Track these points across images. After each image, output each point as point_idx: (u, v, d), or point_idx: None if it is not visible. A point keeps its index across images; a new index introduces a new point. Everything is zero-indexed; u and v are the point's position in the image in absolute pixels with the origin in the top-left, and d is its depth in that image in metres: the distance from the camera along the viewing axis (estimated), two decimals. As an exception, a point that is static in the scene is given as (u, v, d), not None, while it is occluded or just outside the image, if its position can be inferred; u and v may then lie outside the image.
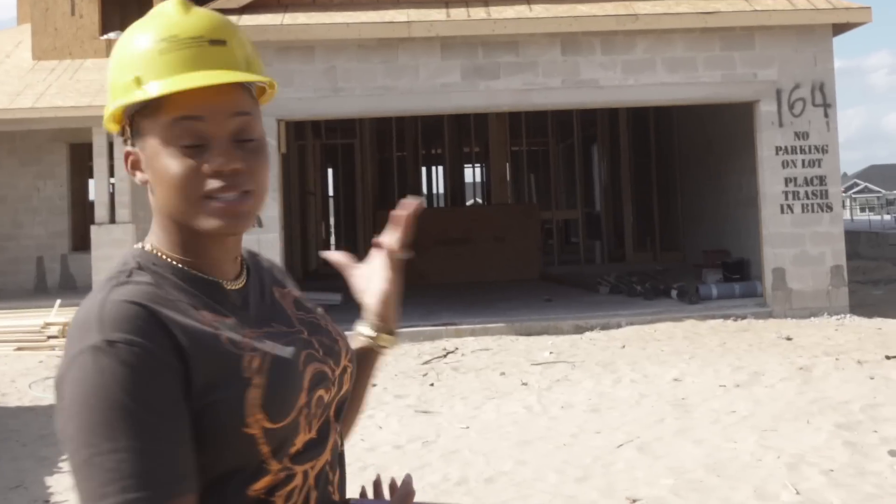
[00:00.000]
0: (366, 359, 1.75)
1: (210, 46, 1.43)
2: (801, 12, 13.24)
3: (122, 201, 16.66)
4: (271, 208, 12.69)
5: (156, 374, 1.30)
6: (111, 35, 19.40)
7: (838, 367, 9.14)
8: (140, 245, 1.52)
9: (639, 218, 21.92)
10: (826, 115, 13.35)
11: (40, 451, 7.32)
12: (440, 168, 27.94)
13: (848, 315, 12.84)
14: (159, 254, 1.48)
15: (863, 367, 9.13)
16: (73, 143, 18.94)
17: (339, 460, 1.58)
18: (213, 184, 1.41)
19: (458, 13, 13.15)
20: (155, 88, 1.40)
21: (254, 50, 1.51)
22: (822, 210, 13.25)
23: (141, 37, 1.44)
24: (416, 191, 25.54)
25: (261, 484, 1.40)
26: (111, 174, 16.93)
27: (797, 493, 5.40)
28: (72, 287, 18.51)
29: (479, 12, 13.12)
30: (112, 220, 16.66)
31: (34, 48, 19.26)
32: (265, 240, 12.50)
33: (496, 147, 21.59)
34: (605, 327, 12.37)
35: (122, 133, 1.48)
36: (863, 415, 7.18)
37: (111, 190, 17.00)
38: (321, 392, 1.49)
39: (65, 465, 6.83)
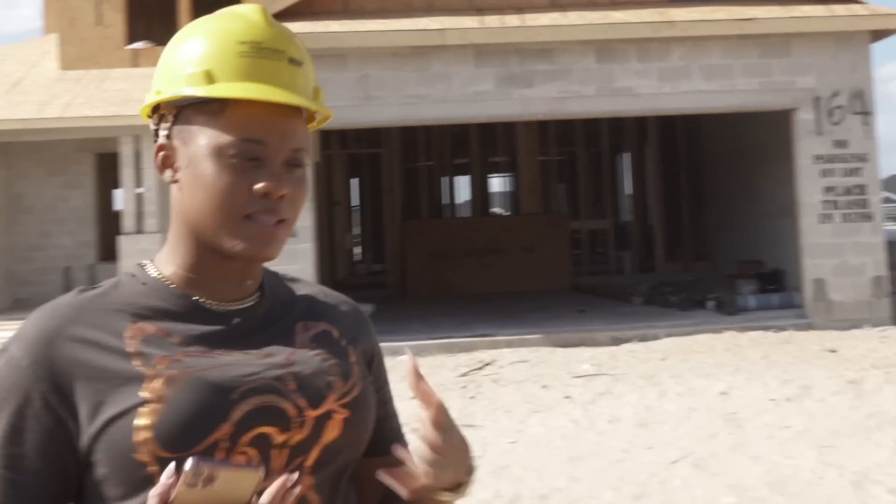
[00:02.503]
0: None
1: (289, 64, 1.37)
2: (840, 19, 13.04)
3: (150, 211, 16.60)
4: (306, 218, 12.55)
5: (16, 393, 1.29)
6: (137, 44, 19.37)
7: (889, 381, 8.91)
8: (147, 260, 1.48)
9: (668, 227, 21.69)
10: (865, 123, 13.13)
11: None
12: (465, 178, 27.80)
13: (890, 326, 12.59)
14: (149, 265, 1.43)
15: (914, 380, 8.90)
16: (100, 153, 18.89)
17: None
18: (256, 205, 1.34)
19: (492, 20, 12.99)
20: (228, 89, 1.32)
21: (315, 77, 1.45)
22: (863, 219, 13.01)
23: (219, 32, 1.36)
24: (442, 200, 25.41)
25: None
26: (138, 184, 16.86)
27: (871, 513, 5.19)
28: (98, 297, 18.44)
29: (512, 20, 12.97)
30: (139, 231, 16.59)
31: (61, 58, 19.24)
32: (299, 250, 12.37)
33: (525, 156, 21.40)
34: (642, 339, 12.16)
35: (159, 122, 1.39)
36: (923, 430, 6.97)
37: (138, 200, 16.93)
38: (266, 430, 1.31)
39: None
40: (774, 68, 13.12)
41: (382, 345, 1.49)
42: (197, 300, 1.39)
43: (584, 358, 10.95)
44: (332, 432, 1.37)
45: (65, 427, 1.28)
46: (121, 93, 17.60)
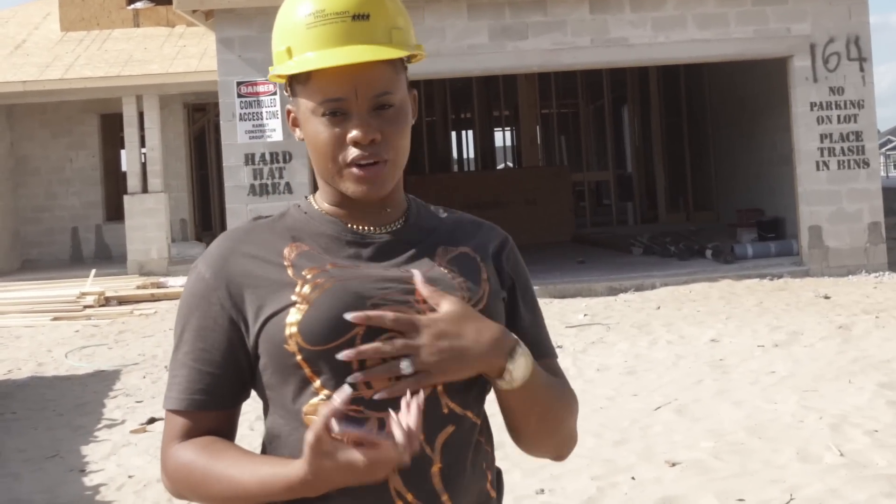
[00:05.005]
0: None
1: (353, 22, 1.53)
2: (836, -36, 12.95)
3: (154, 171, 16.71)
4: (301, 174, 12.65)
5: (202, 300, 1.59)
6: (138, 4, 19.35)
7: (878, 326, 9.01)
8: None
9: (671, 178, 21.70)
10: (862, 70, 13.09)
11: (76, 420, 7.36)
12: (470, 132, 27.76)
13: (886, 273, 12.66)
14: (312, 199, 1.68)
15: (903, 324, 8.99)
16: (104, 114, 18.98)
17: (437, 420, 1.52)
18: (353, 153, 1.54)
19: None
20: (299, 64, 1.54)
21: (405, 20, 1.60)
22: (859, 166, 13.03)
23: (296, 8, 1.57)
24: (447, 155, 25.43)
25: (311, 408, 1.50)
26: (142, 144, 16.96)
27: (841, 454, 5.31)
28: (107, 257, 18.64)
29: (506, -28, 12.93)
30: (144, 190, 16.72)
31: (62, 19, 19.27)
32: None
33: (526, 109, 21.40)
34: (639, 289, 12.27)
35: (287, 88, 1.64)
36: (905, 373, 7.07)
37: (143, 160, 17.04)
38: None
39: (100, 434, 6.87)
40: (770, 15, 13.07)
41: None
42: (348, 225, 1.62)
43: (579, 308, 11.08)
44: None
45: (238, 327, 1.57)
46: (122, 53, 17.64)
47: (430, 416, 1.49)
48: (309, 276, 1.54)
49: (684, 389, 7.09)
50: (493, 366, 1.52)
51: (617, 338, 9.24)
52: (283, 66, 1.57)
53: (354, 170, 1.55)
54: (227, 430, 1.60)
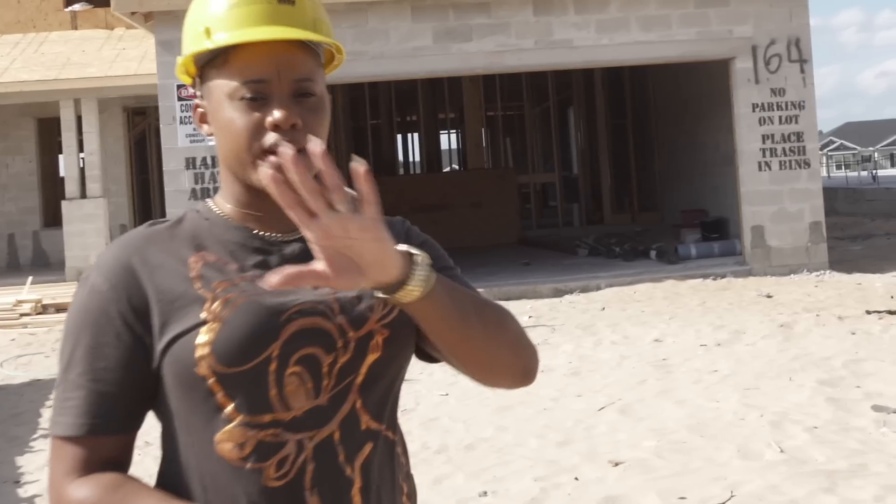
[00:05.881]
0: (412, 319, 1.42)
1: (278, 4, 1.46)
2: (776, -34, 13.09)
3: (93, 175, 16.42)
4: (243, 178, 12.49)
5: (99, 315, 1.43)
6: (76, 7, 19.05)
7: (819, 324, 9.09)
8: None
9: (616, 179, 21.83)
10: (802, 71, 13.24)
11: (11, 430, 7.17)
12: (415, 135, 27.72)
13: (827, 271, 12.81)
14: (211, 203, 1.56)
15: (844, 322, 9.08)
16: (41, 118, 18.66)
17: (358, 436, 1.45)
18: (271, 138, 1.43)
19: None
20: (221, 39, 1.44)
21: (324, 13, 1.53)
22: (800, 167, 13.17)
23: None
24: (392, 158, 25.34)
25: (224, 435, 1.40)
26: (81, 149, 16.67)
27: (781, 451, 5.32)
28: (44, 263, 18.29)
29: (449, -27, 12.90)
30: (83, 195, 16.43)
31: (-3, 22, 18.90)
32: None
33: (471, 112, 21.40)
34: (584, 290, 12.28)
35: (193, 85, 1.54)
36: (845, 370, 7.13)
37: (81, 164, 16.75)
38: (313, 350, 1.43)
39: (35, 445, 6.69)
40: (712, 17, 13.17)
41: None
42: (253, 232, 1.50)
43: (524, 310, 11.05)
44: (374, 352, 1.47)
45: (141, 342, 1.43)
46: (60, 56, 17.33)
47: (350, 436, 1.44)
48: (219, 291, 1.43)
49: (628, 389, 7.08)
50: (389, 269, 1.28)
51: (562, 339, 9.23)
52: (206, 43, 1.46)
53: (272, 157, 1.41)
54: (125, 458, 1.46)
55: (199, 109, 1.53)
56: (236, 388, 1.40)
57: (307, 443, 1.41)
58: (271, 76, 1.44)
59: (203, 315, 1.41)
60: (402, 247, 1.32)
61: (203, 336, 1.40)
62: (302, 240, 1.45)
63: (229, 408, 1.40)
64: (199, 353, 1.39)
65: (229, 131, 1.46)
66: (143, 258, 1.46)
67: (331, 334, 1.44)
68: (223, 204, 1.53)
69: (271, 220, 1.50)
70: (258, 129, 1.43)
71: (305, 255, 1.39)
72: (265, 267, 1.45)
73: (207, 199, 1.57)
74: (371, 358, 1.46)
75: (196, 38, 1.48)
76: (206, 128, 1.53)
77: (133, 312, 1.43)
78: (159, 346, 1.42)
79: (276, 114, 1.42)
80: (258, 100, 1.44)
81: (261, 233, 1.50)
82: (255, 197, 1.48)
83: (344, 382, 1.44)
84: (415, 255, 1.33)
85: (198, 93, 1.54)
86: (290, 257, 1.48)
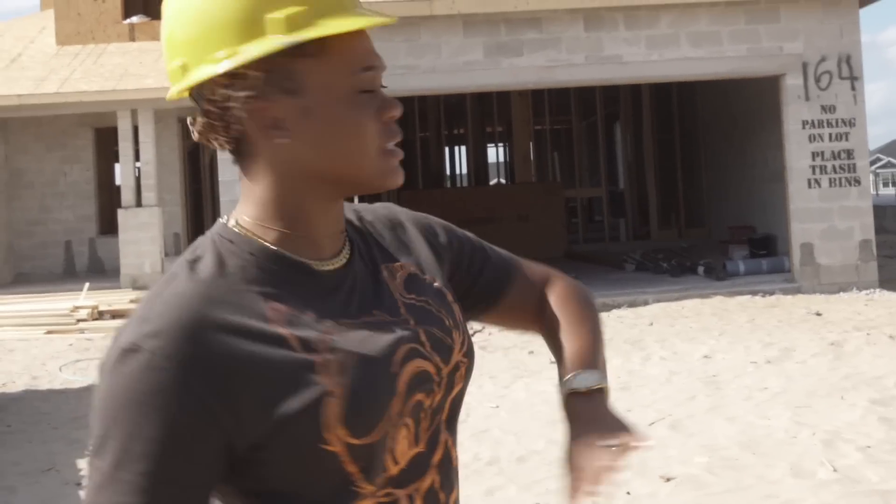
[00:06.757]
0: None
1: None
2: (828, -16, 13.08)
3: (148, 184, 16.73)
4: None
5: (168, 398, 1.12)
6: (134, 19, 19.43)
7: (870, 343, 9.07)
8: (224, 219, 1.30)
9: (663, 195, 21.80)
10: (853, 88, 13.20)
11: (71, 433, 7.36)
12: (463, 148, 27.85)
13: (877, 290, 12.74)
14: (243, 230, 1.27)
15: (895, 341, 9.05)
16: (99, 128, 19.02)
17: (453, 476, 1.36)
18: (391, 134, 1.28)
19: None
20: (336, 25, 1.20)
21: None
22: (850, 184, 13.12)
23: None
24: (440, 171, 25.50)
25: None
26: (136, 158, 16.99)
27: (834, 470, 5.35)
28: (100, 270, 18.63)
29: (501, -11, 13.03)
30: (138, 204, 16.74)
31: (58, 33, 19.32)
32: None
33: (519, 125, 21.50)
34: (632, 304, 12.33)
35: (228, 86, 1.21)
36: (897, 390, 7.13)
37: (137, 174, 17.07)
38: (420, 396, 1.27)
39: (99, 448, 6.87)
40: (762, 34, 13.18)
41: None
42: (309, 265, 1.27)
43: (573, 324, 11.10)
44: (459, 385, 1.35)
45: (224, 428, 1.15)
46: (118, 67, 17.69)
47: (446, 479, 1.33)
48: (324, 352, 1.20)
49: (678, 405, 7.13)
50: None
51: (610, 353, 9.24)
52: (313, 30, 1.19)
53: (391, 154, 1.28)
54: None
55: (269, 111, 1.22)
56: (365, 456, 1.22)
57: (416, 497, 1.28)
58: (378, 64, 1.27)
59: (323, 384, 1.18)
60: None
61: (330, 408, 1.18)
62: (347, 268, 1.31)
63: (359, 478, 1.23)
64: (329, 427, 1.18)
65: (343, 130, 1.24)
66: (212, 318, 1.17)
67: (431, 375, 1.30)
68: (260, 230, 1.27)
69: (321, 244, 1.30)
70: (377, 124, 1.25)
71: (355, 284, 1.31)
72: (337, 310, 1.26)
73: (228, 223, 1.29)
74: (455, 391, 1.35)
75: (283, 23, 1.19)
76: (277, 134, 1.23)
77: (218, 395, 1.14)
78: (262, 427, 1.16)
79: (397, 108, 1.28)
80: (368, 91, 1.25)
81: (315, 263, 1.28)
82: (314, 215, 1.28)
83: (436, 421, 1.32)
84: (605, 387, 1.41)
85: (245, 93, 1.21)
86: (348, 290, 1.30)
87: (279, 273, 1.24)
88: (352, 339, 1.23)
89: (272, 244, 1.25)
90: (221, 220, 1.30)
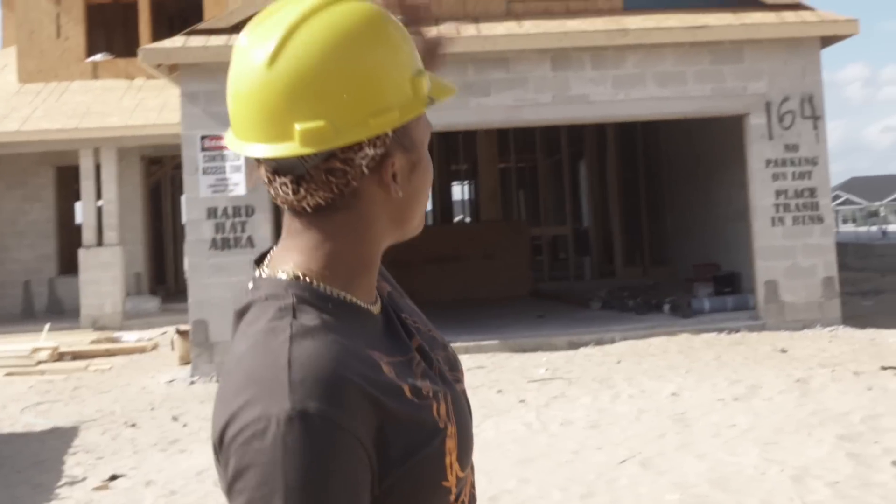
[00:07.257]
0: None
1: None
2: (790, 25, 13.29)
3: (110, 224, 16.59)
4: (263, 228, 12.61)
5: (352, 460, 1.15)
6: (97, 57, 19.35)
7: (835, 379, 9.12)
8: (275, 272, 1.28)
9: (628, 233, 21.94)
10: (815, 128, 13.37)
11: (35, 477, 7.22)
12: (428, 186, 27.87)
13: (841, 326, 12.84)
14: (314, 282, 1.26)
15: (859, 378, 9.11)
16: (60, 166, 18.88)
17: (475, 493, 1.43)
18: None
19: (448, 30, 13.09)
20: (448, 88, 1.33)
21: None
22: (813, 222, 13.26)
23: (397, 27, 1.29)
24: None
25: None
26: (98, 196, 16.85)
27: (805, 506, 5.35)
28: (59, 311, 18.39)
29: (469, 29, 13.11)
30: (99, 243, 16.57)
31: (20, 71, 19.20)
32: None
33: (485, 164, 21.59)
34: (599, 342, 12.33)
35: (379, 142, 1.24)
36: (863, 426, 7.16)
37: (98, 213, 16.91)
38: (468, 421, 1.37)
39: (61, 492, 6.74)
40: (727, 74, 13.35)
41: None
42: (370, 310, 1.31)
43: (540, 363, 11.10)
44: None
45: (373, 476, 1.19)
46: (80, 105, 17.58)
47: (474, 489, 1.39)
48: (431, 395, 1.27)
49: (648, 443, 7.11)
50: None
51: (579, 392, 9.27)
52: (441, 89, 1.31)
53: None
54: None
55: (396, 165, 1.27)
56: (461, 485, 1.30)
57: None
58: None
59: (443, 427, 1.26)
60: None
61: (450, 448, 1.26)
62: (384, 310, 1.35)
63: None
64: (448, 465, 1.26)
65: (427, 183, 1.33)
66: (352, 373, 1.18)
67: (465, 393, 1.40)
68: (323, 276, 1.27)
69: (369, 289, 1.33)
70: None
71: (395, 324, 1.35)
72: (399, 349, 1.31)
73: (304, 278, 1.27)
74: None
75: (422, 83, 1.26)
76: (394, 188, 1.27)
77: (374, 446, 1.19)
78: (399, 471, 1.21)
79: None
80: None
81: (370, 308, 1.31)
82: (369, 262, 1.31)
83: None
84: None
85: (374, 151, 1.24)
86: (398, 331, 1.35)
87: (358, 320, 1.27)
88: (434, 381, 1.31)
89: (341, 291, 1.27)
90: (281, 276, 1.27)
